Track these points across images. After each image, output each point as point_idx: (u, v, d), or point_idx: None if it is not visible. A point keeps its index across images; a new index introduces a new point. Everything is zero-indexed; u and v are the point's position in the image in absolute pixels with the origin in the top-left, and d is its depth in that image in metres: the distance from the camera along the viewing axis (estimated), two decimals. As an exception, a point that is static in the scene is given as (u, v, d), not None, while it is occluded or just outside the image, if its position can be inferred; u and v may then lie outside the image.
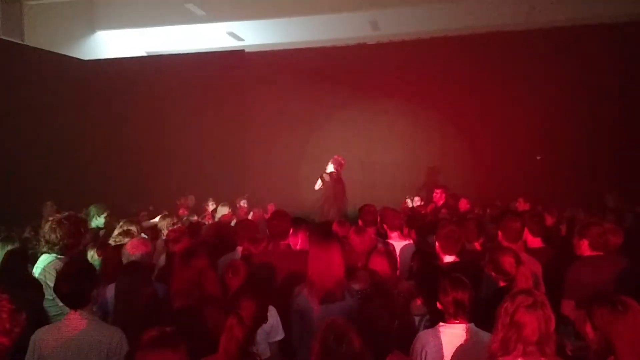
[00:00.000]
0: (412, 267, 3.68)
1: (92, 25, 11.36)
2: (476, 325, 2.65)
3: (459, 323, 2.63)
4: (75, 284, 2.70)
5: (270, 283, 3.55)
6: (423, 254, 3.77)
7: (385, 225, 4.78)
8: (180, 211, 8.02)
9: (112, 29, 11.47)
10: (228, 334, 2.37)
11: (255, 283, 3.27)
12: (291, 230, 4.03)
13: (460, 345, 2.58)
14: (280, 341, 3.13)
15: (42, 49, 9.45)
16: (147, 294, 3.08)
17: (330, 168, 8.24)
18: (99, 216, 5.76)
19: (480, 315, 2.65)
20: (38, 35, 9.57)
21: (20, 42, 9.27)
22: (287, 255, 3.85)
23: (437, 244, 3.87)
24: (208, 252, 3.28)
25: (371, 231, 4.51)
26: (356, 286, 3.31)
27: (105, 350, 2.61)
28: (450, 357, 2.58)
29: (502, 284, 3.18)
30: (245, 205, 8.57)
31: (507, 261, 3.15)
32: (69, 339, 2.63)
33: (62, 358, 2.60)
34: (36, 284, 3.32)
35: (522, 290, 2.31)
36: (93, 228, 5.47)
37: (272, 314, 2.95)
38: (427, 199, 8.09)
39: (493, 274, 3.22)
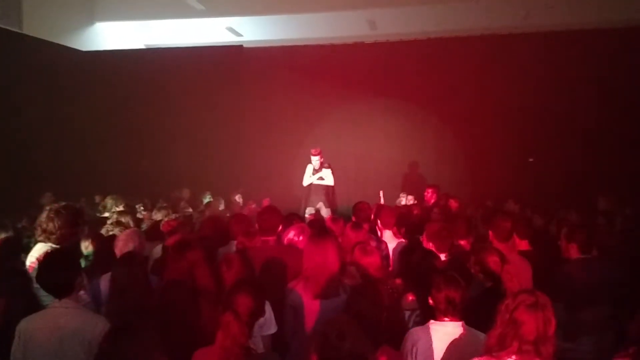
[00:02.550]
0: (409, 263, 3.65)
1: (92, 16, 11.32)
2: (465, 324, 2.67)
3: (450, 320, 2.63)
4: (57, 273, 2.69)
5: (264, 277, 3.58)
6: (422, 251, 3.74)
7: (379, 222, 4.79)
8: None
9: (112, 20, 11.45)
10: (225, 330, 2.34)
11: (251, 277, 3.30)
12: (281, 227, 4.05)
13: (451, 343, 2.59)
14: (272, 335, 3.13)
15: (40, 39, 9.41)
16: (141, 286, 3.10)
17: (316, 163, 8.26)
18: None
19: (468, 314, 2.68)
20: (37, 25, 9.51)
21: (19, 31, 9.22)
22: (277, 249, 3.84)
23: (428, 242, 3.92)
24: (204, 245, 3.30)
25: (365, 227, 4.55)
26: (348, 282, 3.35)
27: (87, 339, 2.57)
28: (440, 355, 2.60)
29: (489, 284, 3.20)
30: (240, 200, 8.59)
31: (492, 260, 3.17)
32: (52, 327, 2.61)
33: (46, 347, 2.59)
34: (26, 272, 3.33)
35: (525, 290, 2.33)
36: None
37: (266, 307, 2.95)
38: (419, 198, 8.13)
39: (480, 275, 3.24)
